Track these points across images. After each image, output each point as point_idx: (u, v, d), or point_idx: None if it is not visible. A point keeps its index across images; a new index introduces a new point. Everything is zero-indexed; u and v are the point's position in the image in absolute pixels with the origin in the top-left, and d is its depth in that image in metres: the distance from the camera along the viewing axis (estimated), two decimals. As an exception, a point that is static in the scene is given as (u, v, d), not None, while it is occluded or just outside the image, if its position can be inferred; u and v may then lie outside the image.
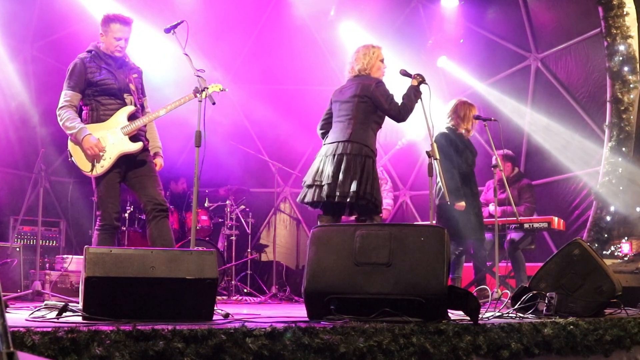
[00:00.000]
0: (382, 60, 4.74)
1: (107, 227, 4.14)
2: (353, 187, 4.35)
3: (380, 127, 4.70)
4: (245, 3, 8.68)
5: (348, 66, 4.80)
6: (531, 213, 6.47)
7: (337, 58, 9.13)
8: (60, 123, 4.15)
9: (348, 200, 4.36)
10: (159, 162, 4.44)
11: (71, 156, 4.18)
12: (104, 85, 4.18)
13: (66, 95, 4.18)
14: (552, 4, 8.04)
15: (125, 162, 4.21)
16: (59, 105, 4.17)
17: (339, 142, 4.51)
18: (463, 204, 5.40)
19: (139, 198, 4.28)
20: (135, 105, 4.29)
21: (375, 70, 4.70)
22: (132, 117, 4.24)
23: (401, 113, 4.55)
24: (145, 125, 4.35)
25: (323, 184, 4.43)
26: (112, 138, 4.15)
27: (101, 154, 4.09)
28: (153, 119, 4.35)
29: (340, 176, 4.39)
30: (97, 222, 4.17)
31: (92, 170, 4.11)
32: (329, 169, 4.45)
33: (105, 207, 4.14)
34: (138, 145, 4.23)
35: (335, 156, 4.46)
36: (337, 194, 4.37)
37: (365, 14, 8.80)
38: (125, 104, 4.24)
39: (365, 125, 4.56)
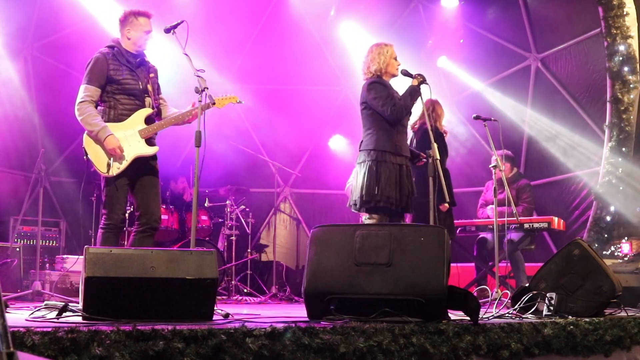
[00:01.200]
0: (395, 58, 4.79)
1: (112, 227, 4.10)
2: (356, 193, 4.64)
3: (394, 124, 4.68)
4: (245, 3, 8.68)
5: (363, 67, 4.85)
6: (530, 213, 6.47)
7: (337, 58, 9.14)
8: (80, 118, 4.07)
9: (357, 205, 4.67)
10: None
11: (86, 154, 4.11)
12: (126, 85, 4.12)
13: (87, 89, 4.09)
14: (552, 4, 8.04)
15: (136, 166, 4.15)
16: (79, 100, 4.08)
17: None
18: (447, 205, 5.40)
19: (137, 206, 4.22)
20: (153, 108, 4.24)
21: (390, 68, 4.77)
22: (148, 120, 4.20)
23: (393, 113, 4.59)
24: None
25: None
26: (129, 139, 4.10)
27: (111, 155, 4.04)
28: (172, 123, 4.24)
29: (352, 186, 4.83)
30: (102, 221, 4.12)
31: (108, 170, 4.04)
32: None
33: (112, 207, 4.09)
34: (154, 149, 4.19)
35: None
36: (351, 203, 4.75)
37: (365, 14, 8.80)
38: (144, 106, 4.19)
39: (372, 129, 4.67)
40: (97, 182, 7.08)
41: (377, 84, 4.68)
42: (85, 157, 4.13)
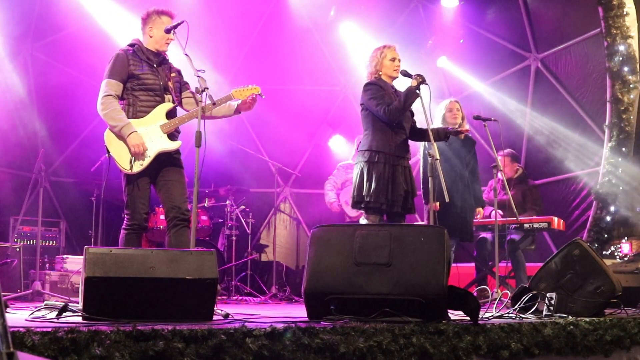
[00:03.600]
0: (392, 59, 4.82)
1: (135, 227, 4.05)
2: (352, 194, 4.76)
3: (392, 124, 4.70)
4: (245, 3, 8.68)
5: (366, 70, 4.95)
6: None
7: (337, 58, 9.14)
8: (102, 113, 4.00)
9: (351, 205, 4.82)
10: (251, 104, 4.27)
11: (108, 152, 4.05)
12: (146, 80, 4.08)
13: (109, 84, 4.03)
14: (552, 4, 8.04)
15: (158, 162, 4.10)
16: (102, 94, 4.02)
17: None
18: (437, 204, 5.29)
19: (163, 203, 4.16)
20: (174, 103, 4.21)
21: (386, 70, 4.83)
22: (170, 115, 4.16)
23: (386, 113, 4.64)
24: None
25: None
26: (151, 135, 4.05)
27: (134, 153, 3.99)
28: (194, 117, 4.14)
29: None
30: (125, 222, 4.07)
31: (131, 168, 3.99)
32: None
33: (135, 206, 4.04)
34: (177, 144, 4.15)
35: None
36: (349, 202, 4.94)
37: (365, 14, 8.80)
38: (163, 102, 4.15)
39: (369, 130, 4.76)
40: (98, 182, 7.11)
41: (373, 85, 4.76)
42: (107, 154, 4.07)
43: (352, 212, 7.64)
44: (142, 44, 4.20)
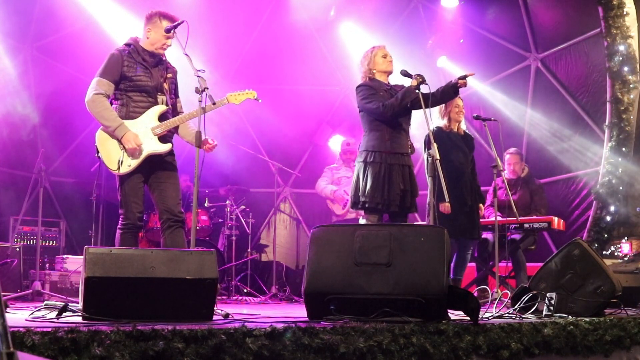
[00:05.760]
0: (383, 56, 4.85)
1: (130, 226, 4.06)
2: (350, 194, 4.79)
3: (390, 123, 4.70)
4: (245, 3, 8.68)
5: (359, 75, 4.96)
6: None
7: (337, 58, 9.14)
8: (94, 110, 3.99)
9: (353, 207, 4.81)
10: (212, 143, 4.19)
11: (98, 152, 4.06)
12: (139, 82, 4.07)
13: (99, 82, 4.01)
14: (552, 4, 8.04)
15: (150, 163, 4.10)
16: (93, 92, 3.99)
17: None
18: (447, 205, 5.24)
19: (156, 204, 4.17)
20: (167, 105, 4.18)
21: (379, 67, 4.84)
22: (162, 117, 4.14)
23: (380, 109, 4.65)
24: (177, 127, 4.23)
25: None
26: (141, 137, 4.04)
27: (130, 152, 4.00)
28: (186, 120, 4.19)
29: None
30: (120, 222, 4.09)
31: (118, 168, 4.00)
32: None
33: (128, 206, 4.05)
34: (167, 147, 4.13)
35: None
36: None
37: (365, 14, 8.80)
38: (157, 103, 4.13)
39: (366, 131, 4.80)
40: (98, 181, 7.11)
41: (363, 86, 4.80)
42: (96, 154, 4.08)
43: (338, 211, 7.70)
44: (138, 44, 4.18)
